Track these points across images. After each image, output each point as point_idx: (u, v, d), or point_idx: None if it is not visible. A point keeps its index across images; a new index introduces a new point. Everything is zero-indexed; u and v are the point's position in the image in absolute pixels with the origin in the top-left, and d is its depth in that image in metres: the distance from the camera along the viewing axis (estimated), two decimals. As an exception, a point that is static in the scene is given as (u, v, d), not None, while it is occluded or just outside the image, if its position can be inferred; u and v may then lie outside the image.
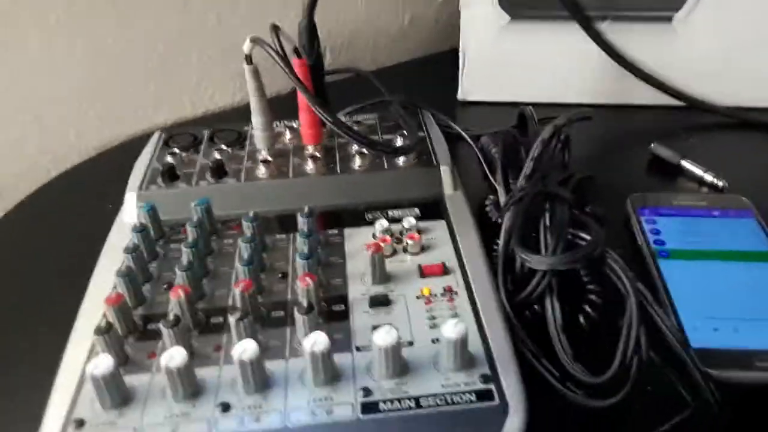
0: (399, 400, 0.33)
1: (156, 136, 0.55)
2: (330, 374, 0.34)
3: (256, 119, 0.50)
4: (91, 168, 0.66)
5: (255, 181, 0.49)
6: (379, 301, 0.39)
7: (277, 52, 0.44)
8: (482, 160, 0.53)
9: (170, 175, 0.48)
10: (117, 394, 0.33)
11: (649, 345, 0.36)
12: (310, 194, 0.48)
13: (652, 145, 0.61)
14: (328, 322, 0.38)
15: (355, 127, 0.51)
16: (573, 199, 0.44)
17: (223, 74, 0.74)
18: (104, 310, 0.38)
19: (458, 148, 0.59)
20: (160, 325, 0.35)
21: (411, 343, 0.36)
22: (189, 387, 0.33)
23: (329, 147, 0.52)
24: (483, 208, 0.50)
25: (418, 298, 0.39)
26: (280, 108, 0.54)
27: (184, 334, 0.35)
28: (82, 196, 0.60)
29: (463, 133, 0.57)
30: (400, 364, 0.34)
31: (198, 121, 0.73)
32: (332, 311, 0.39)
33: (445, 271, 0.41)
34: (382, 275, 0.40)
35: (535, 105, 0.57)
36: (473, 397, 0.33)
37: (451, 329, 0.33)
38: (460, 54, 0.71)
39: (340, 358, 0.35)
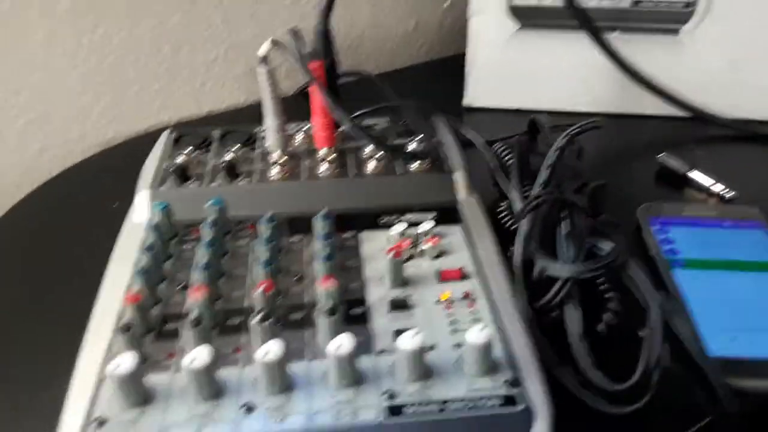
0: (424, 404, 0.33)
1: (165, 135, 0.55)
2: (354, 377, 0.33)
3: (270, 121, 0.49)
4: (94, 166, 0.65)
5: (267, 183, 0.48)
6: (399, 305, 0.39)
7: (297, 55, 0.44)
8: (494, 167, 0.53)
9: (182, 174, 0.48)
10: (138, 393, 0.32)
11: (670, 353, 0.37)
12: (323, 197, 0.47)
13: (661, 155, 0.61)
14: (348, 325, 0.37)
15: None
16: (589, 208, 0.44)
17: (228, 74, 0.73)
18: (122, 309, 0.37)
19: (467, 154, 0.59)
20: (183, 325, 0.34)
21: (433, 348, 0.36)
22: (212, 387, 0.33)
23: (342, 150, 0.52)
24: (495, 214, 0.50)
25: (437, 302, 0.39)
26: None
27: (205, 335, 0.35)
28: (86, 194, 0.60)
29: (476, 140, 0.57)
30: (423, 368, 0.34)
31: (202, 121, 0.73)
32: (351, 314, 0.38)
33: (463, 276, 0.41)
34: (401, 279, 0.40)
35: (540, 113, 0.57)
36: (498, 402, 0.33)
37: (476, 334, 0.33)
38: (467, 60, 0.71)
39: (363, 362, 0.35)
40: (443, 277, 0.41)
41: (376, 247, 0.44)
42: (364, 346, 0.36)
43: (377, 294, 0.40)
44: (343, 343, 0.32)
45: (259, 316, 0.34)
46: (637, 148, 0.66)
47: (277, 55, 0.47)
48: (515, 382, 0.34)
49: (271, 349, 0.32)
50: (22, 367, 0.41)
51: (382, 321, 0.38)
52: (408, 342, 0.33)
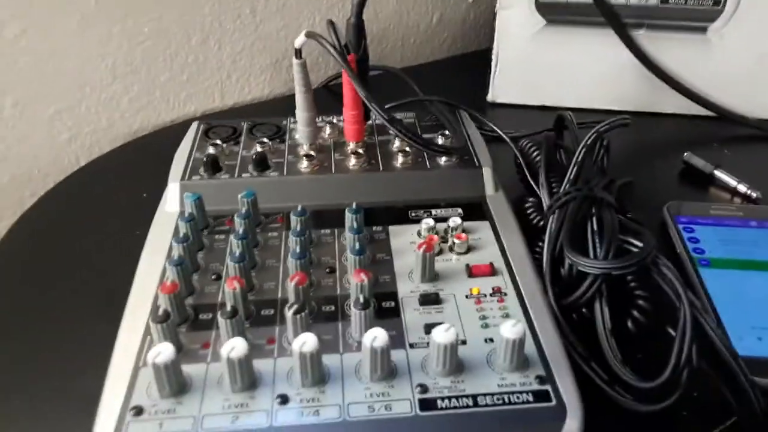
0: (456, 398, 0.33)
1: (194, 126, 0.55)
2: (387, 370, 0.34)
3: (301, 114, 0.50)
4: (123, 156, 0.66)
5: (297, 175, 0.49)
6: (430, 300, 0.39)
7: (334, 47, 0.44)
8: (522, 163, 0.53)
9: (213, 166, 0.48)
10: (176, 382, 0.33)
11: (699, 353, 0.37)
12: (353, 190, 0.48)
13: (686, 154, 0.61)
14: (379, 319, 0.38)
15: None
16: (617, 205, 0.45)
17: (254, 67, 0.74)
18: (157, 299, 0.38)
19: (490, 149, 0.59)
20: (218, 316, 0.35)
21: (464, 342, 0.36)
22: (248, 378, 0.33)
23: (370, 143, 0.52)
24: (521, 210, 0.51)
25: (467, 297, 0.39)
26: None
27: (240, 326, 0.35)
28: (115, 184, 0.60)
29: (503, 135, 0.57)
30: (456, 363, 0.34)
31: (227, 113, 0.73)
32: (383, 308, 0.39)
33: (493, 271, 0.41)
34: (431, 274, 0.41)
35: (565, 110, 0.57)
36: (530, 398, 0.33)
37: (509, 329, 0.34)
38: (493, 55, 0.71)
39: (395, 355, 0.35)
40: (473, 272, 0.41)
41: (405, 241, 0.44)
42: (395, 339, 0.36)
43: (408, 288, 0.40)
44: (378, 335, 0.33)
45: (294, 308, 0.35)
46: (662, 146, 0.66)
47: (303, 48, 0.47)
48: (546, 378, 0.34)
49: (307, 340, 0.33)
50: (58, 354, 0.42)
51: (412, 315, 0.38)
52: (442, 336, 0.33)
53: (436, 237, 0.43)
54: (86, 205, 0.57)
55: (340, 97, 0.49)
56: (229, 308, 0.35)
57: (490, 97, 0.73)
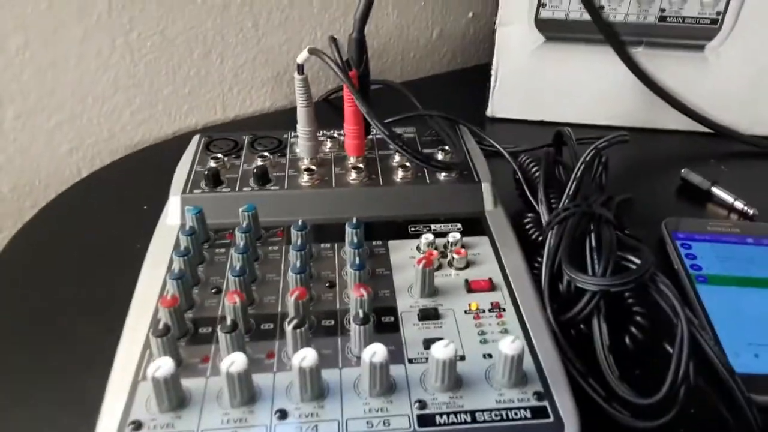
0: (455, 414, 0.33)
1: (196, 139, 0.55)
2: (386, 386, 0.34)
3: (303, 128, 0.50)
4: (123, 168, 0.66)
5: (298, 189, 0.49)
6: (430, 315, 0.39)
7: (336, 64, 0.44)
8: (521, 178, 0.53)
9: (214, 179, 0.49)
10: (175, 397, 0.33)
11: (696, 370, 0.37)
12: (353, 205, 0.48)
13: (684, 170, 0.61)
14: (379, 334, 0.38)
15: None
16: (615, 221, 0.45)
17: (256, 79, 0.74)
18: (157, 312, 0.38)
19: (489, 164, 0.60)
20: (218, 330, 0.35)
21: (463, 358, 0.36)
22: (247, 393, 0.33)
23: (370, 158, 0.52)
24: (520, 225, 0.51)
25: (466, 312, 0.40)
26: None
27: (240, 340, 0.36)
28: (115, 196, 0.61)
29: (503, 150, 0.57)
30: (455, 378, 0.34)
31: (229, 125, 0.74)
32: (382, 323, 0.39)
33: (492, 286, 0.42)
34: (430, 289, 0.41)
35: (564, 125, 0.57)
36: (528, 414, 0.33)
37: (508, 345, 0.34)
38: (493, 71, 0.71)
39: (393, 370, 0.35)
40: (472, 287, 0.41)
41: (405, 256, 0.44)
42: (394, 354, 0.36)
43: (407, 303, 0.40)
44: (377, 351, 0.33)
45: (293, 323, 0.35)
46: (660, 162, 0.67)
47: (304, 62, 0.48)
48: (544, 394, 0.34)
49: (307, 355, 0.33)
50: (58, 366, 0.42)
51: (412, 330, 0.38)
52: (441, 351, 0.33)
53: (435, 252, 0.44)
54: (87, 217, 0.58)
55: (341, 110, 0.50)
56: (228, 322, 0.35)
57: (489, 112, 0.74)
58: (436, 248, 0.44)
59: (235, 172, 0.51)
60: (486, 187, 0.50)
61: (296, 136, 0.52)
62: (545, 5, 0.66)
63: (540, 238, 0.48)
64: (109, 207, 0.59)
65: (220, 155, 0.52)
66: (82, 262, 0.51)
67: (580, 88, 0.70)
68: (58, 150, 0.65)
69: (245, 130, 0.57)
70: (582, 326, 0.41)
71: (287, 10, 0.72)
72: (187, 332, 0.38)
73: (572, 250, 0.43)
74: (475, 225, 0.47)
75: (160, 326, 0.35)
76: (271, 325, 0.39)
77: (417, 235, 0.46)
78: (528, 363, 0.36)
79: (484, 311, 0.40)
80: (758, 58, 0.65)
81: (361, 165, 0.50)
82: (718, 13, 0.64)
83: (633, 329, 0.41)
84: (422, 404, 0.34)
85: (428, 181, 0.50)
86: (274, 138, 0.55)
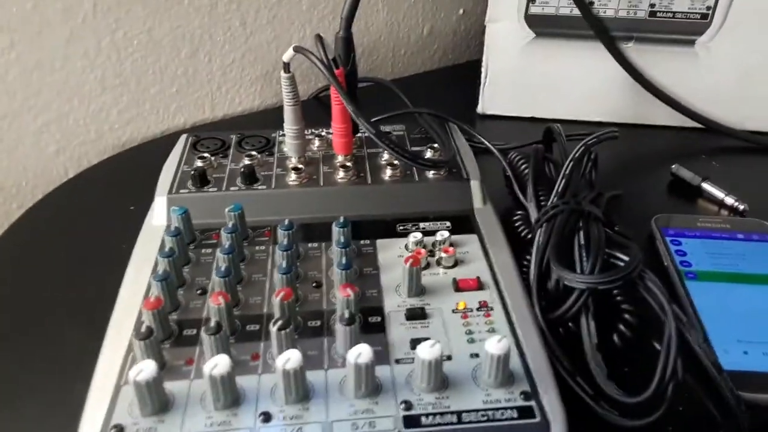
0: (440, 415, 0.33)
1: (183, 139, 0.55)
2: (371, 387, 0.34)
3: (290, 127, 0.50)
4: (110, 168, 0.65)
5: (286, 188, 0.48)
6: (416, 314, 0.39)
7: (322, 62, 0.44)
8: (510, 175, 0.53)
9: (201, 179, 0.48)
10: (157, 400, 0.33)
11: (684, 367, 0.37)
12: (341, 203, 0.48)
13: (674, 166, 0.61)
14: (365, 334, 0.38)
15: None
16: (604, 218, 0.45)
17: (244, 78, 0.74)
18: (141, 314, 0.38)
19: (479, 161, 0.60)
20: (202, 333, 0.35)
21: (450, 358, 0.36)
22: (231, 395, 0.33)
23: (359, 156, 0.52)
24: (509, 223, 0.51)
25: (454, 312, 0.39)
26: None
27: (224, 342, 0.35)
28: (102, 196, 0.60)
29: (492, 147, 0.57)
30: (441, 379, 0.34)
31: (217, 125, 0.73)
32: (369, 323, 0.39)
33: (480, 285, 0.41)
34: (418, 288, 0.40)
35: (554, 122, 0.57)
36: (515, 414, 0.33)
37: (494, 345, 0.33)
38: (483, 68, 0.71)
39: (379, 371, 0.35)
40: (460, 286, 0.41)
41: (393, 255, 0.44)
42: (381, 355, 0.36)
43: (394, 302, 0.40)
44: (362, 352, 0.33)
45: (278, 324, 0.35)
46: (650, 158, 0.67)
47: (292, 60, 0.47)
48: (531, 394, 0.34)
49: (291, 357, 0.33)
50: (42, 369, 0.42)
51: (399, 330, 0.38)
52: (427, 352, 0.33)
53: (423, 251, 0.43)
54: (74, 218, 0.57)
55: (330, 108, 0.49)
56: (213, 324, 0.35)
57: (480, 109, 0.73)
58: (424, 247, 0.44)
59: (222, 172, 0.50)
60: (475, 185, 0.49)
61: (284, 135, 0.51)
62: (535, 1, 0.66)
63: (529, 236, 0.48)
64: (97, 208, 0.58)
65: (207, 155, 0.52)
66: (69, 263, 0.51)
67: (571, 84, 0.70)
68: (45, 151, 0.65)
69: (234, 129, 0.57)
70: (570, 324, 0.41)
71: (275, 8, 0.72)
72: (171, 334, 0.38)
73: (561, 247, 0.43)
74: (464, 223, 0.47)
75: (143, 329, 0.35)
76: (257, 327, 0.38)
77: (405, 234, 0.46)
78: (515, 362, 0.36)
79: (471, 310, 0.39)
80: (748, 52, 0.65)
81: (349, 163, 0.50)
82: (708, 8, 0.64)
83: (621, 327, 0.40)
84: (408, 405, 0.33)
85: (417, 179, 0.49)
86: (262, 137, 0.55)
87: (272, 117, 0.58)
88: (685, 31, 0.65)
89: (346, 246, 0.42)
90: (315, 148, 0.53)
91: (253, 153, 0.52)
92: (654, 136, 0.70)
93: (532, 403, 0.34)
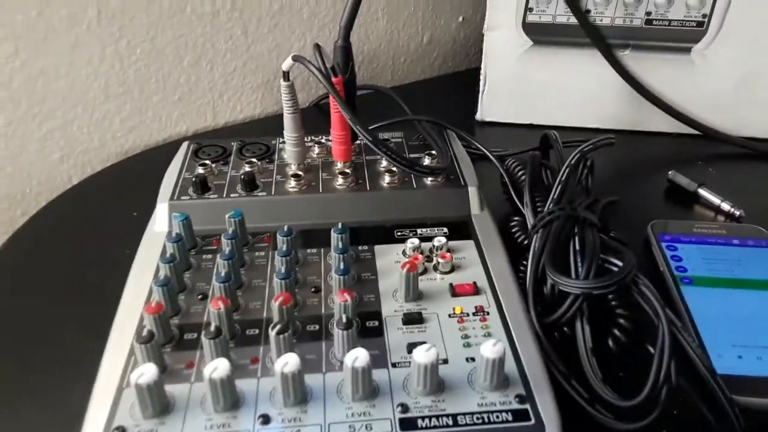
0: (436, 417, 0.34)
1: (185, 146, 0.56)
2: (368, 390, 0.34)
3: (290, 134, 0.50)
4: (113, 175, 0.66)
5: (285, 195, 0.49)
6: (413, 319, 0.39)
7: (320, 71, 0.45)
8: (507, 182, 0.53)
9: (202, 186, 0.49)
10: (158, 403, 0.33)
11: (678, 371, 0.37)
12: (340, 210, 0.48)
13: (670, 172, 0.62)
14: (363, 338, 0.38)
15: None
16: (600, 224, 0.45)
17: (246, 86, 0.75)
18: (143, 319, 0.38)
19: (477, 167, 0.60)
20: (202, 337, 0.35)
21: (446, 361, 0.37)
22: (230, 398, 0.34)
23: (358, 163, 0.53)
24: (506, 228, 0.51)
25: (450, 316, 0.40)
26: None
27: (224, 346, 0.36)
28: (105, 203, 0.61)
29: (489, 154, 0.58)
30: (437, 382, 0.35)
31: (219, 132, 0.74)
32: (366, 327, 0.39)
33: (476, 290, 0.42)
34: (415, 293, 0.41)
35: (552, 129, 0.58)
36: (509, 417, 0.34)
37: (489, 349, 0.34)
38: (481, 75, 0.72)
39: (377, 374, 0.36)
40: (457, 291, 0.42)
41: (391, 261, 0.45)
42: (378, 359, 0.37)
43: (391, 307, 0.41)
44: (359, 356, 0.33)
45: (277, 329, 0.35)
46: (647, 164, 0.67)
47: (294, 69, 0.48)
48: (526, 397, 0.35)
49: (289, 361, 0.33)
50: (46, 372, 0.42)
51: (396, 334, 0.39)
52: (423, 356, 0.34)
53: (420, 256, 0.44)
54: (77, 225, 0.58)
55: (330, 116, 0.50)
56: (213, 328, 0.35)
57: (478, 116, 0.74)
58: (421, 252, 0.45)
59: (222, 179, 0.51)
60: (472, 192, 0.50)
61: (284, 142, 0.52)
62: (532, 9, 0.67)
63: (526, 242, 0.49)
64: (100, 214, 0.59)
65: (208, 162, 0.52)
66: (73, 268, 0.52)
67: (568, 91, 0.70)
68: (49, 158, 0.65)
69: (235, 136, 0.57)
70: (565, 329, 0.41)
71: (277, 17, 0.73)
72: (172, 338, 0.38)
73: (557, 253, 0.44)
74: (461, 229, 0.48)
75: (145, 333, 0.35)
76: (257, 331, 0.39)
77: (403, 240, 0.46)
78: (511, 366, 0.36)
79: (468, 315, 0.40)
80: (744, 59, 0.66)
81: (348, 170, 0.51)
82: (704, 16, 0.65)
83: (616, 331, 0.41)
84: (404, 408, 0.34)
85: (415, 185, 0.50)
86: (263, 144, 0.56)
87: (273, 124, 0.58)
88: (682, 38, 0.66)
89: (344, 252, 0.42)
90: (314, 155, 0.54)
91: (254, 160, 0.53)
92: (651, 143, 0.70)
93: (527, 406, 0.34)
